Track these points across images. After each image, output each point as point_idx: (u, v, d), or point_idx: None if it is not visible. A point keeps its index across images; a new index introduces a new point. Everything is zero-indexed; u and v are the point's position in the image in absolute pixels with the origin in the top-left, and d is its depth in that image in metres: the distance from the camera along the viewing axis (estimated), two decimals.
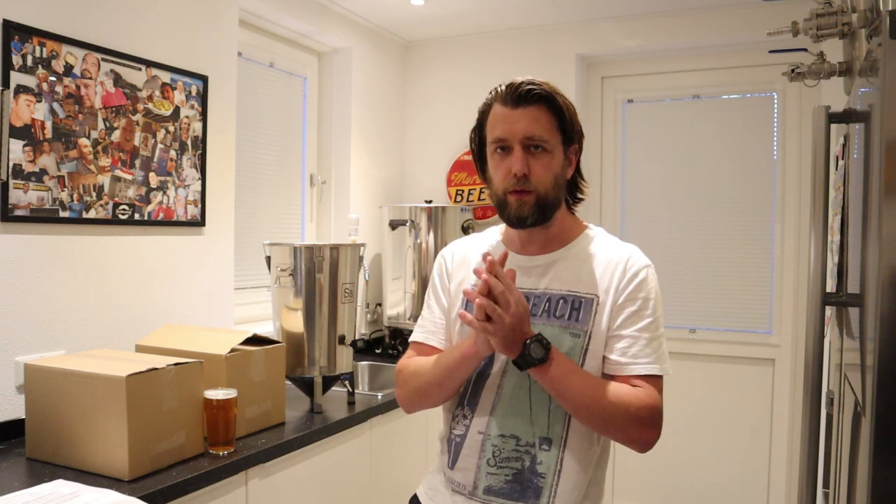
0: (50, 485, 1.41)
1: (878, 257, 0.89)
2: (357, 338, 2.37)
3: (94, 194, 1.99)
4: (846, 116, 1.28)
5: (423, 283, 3.15)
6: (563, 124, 1.26)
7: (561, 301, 1.26)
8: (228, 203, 2.50)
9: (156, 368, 1.59)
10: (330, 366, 2.22)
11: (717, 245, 3.25)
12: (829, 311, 1.67)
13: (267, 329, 2.35)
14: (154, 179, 2.18)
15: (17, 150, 1.78)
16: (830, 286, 1.45)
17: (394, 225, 3.21)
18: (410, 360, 1.38)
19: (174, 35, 2.24)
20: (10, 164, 1.76)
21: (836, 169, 1.64)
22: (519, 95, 1.23)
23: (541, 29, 3.38)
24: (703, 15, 3.09)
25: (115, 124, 2.04)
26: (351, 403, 2.26)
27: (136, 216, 2.12)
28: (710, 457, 3.23)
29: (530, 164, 1.23)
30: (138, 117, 2.12)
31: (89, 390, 1.57)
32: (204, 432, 1.73)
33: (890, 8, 1.00)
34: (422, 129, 3.66)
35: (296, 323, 2.20)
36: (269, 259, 2.24)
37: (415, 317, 3.12)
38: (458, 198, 3.54)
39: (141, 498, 1.40)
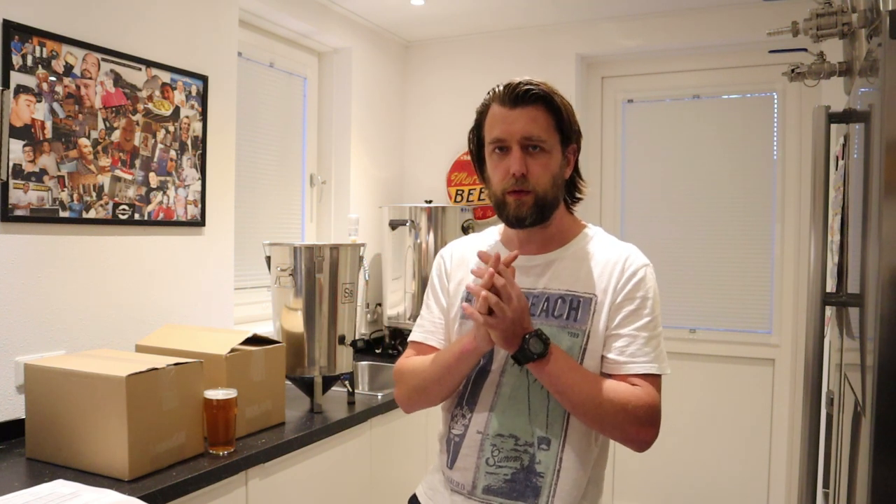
0: (50, 485, 1.41)
1: (878, 257, 0.89)
2: (357, 338, 2.37)
3: (94, 194, 1.99)
4: (846, 116, 1.27)
5: (423, 283, 3.15)
6: (561, 124, 1.26)
7: (559, 300, 1.26)
8: (228, 203, 2.50)
9: (156, 368, 1.59)
10: (330, 366, 2.22)
11: (716, 245, 3.25)
12: (829, 311, 1.67)
13: (267, 329, 2.35)
14: (154, 179, 2.18)
15: (17, 150, 1.78)
16: (830, 286, 1.45)
17: (394, 225, 3.21)
18: (409, 360, 1.38)
19: (174, 35, 2.24)
20: (10, 164, 1.77)
21: (836, 169, 1.63)
22: (517, 95, 1.23)
23: (541, 29, 3.38)
24: (703, 15, 3.09)
25: (115, 124, 2.04)
26: (351, 403, 2.26)
27: (136, 216, 2.12)
28: (710, 457, 3.23)
29: (528, 164, 1.24)
30: (138, 117, 2.12)
31: (89, 390, 1.57)
32: (204, 432, 1.73)
33: (890, 8, 1.00)
34: (422, 129, 3.66)
35: (296, 323, 2.20)
36: (269, 259, 2.24)
37: (415, 317, 3.10)
38: (458, 198, 3.54)
39: (141, 498, 1.40)
